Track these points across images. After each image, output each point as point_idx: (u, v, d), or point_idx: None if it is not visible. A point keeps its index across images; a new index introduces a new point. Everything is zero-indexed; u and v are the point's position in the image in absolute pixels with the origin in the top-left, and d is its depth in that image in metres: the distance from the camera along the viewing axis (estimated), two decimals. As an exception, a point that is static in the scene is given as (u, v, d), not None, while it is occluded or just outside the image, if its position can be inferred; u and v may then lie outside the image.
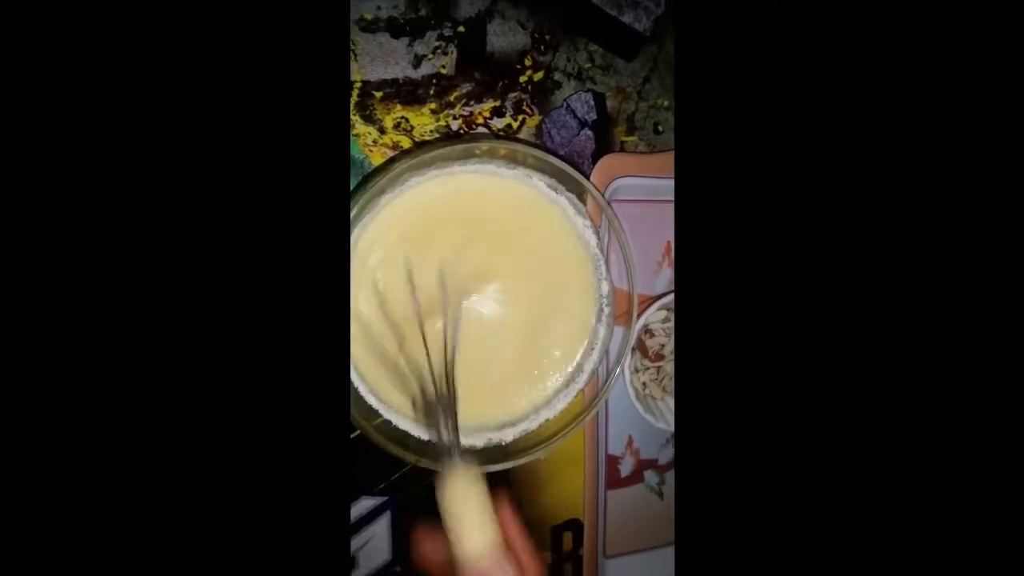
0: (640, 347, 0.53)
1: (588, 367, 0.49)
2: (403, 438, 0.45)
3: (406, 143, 0.48)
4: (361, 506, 0.48)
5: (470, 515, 0.38)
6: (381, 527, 0.49)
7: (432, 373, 0.42)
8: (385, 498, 0.48)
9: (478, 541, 0.37)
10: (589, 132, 0.51)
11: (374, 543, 0.49)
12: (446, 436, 0.40)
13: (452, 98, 0.49)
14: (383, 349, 0.44)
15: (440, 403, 0.41)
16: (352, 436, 0.44)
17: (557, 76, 0.51)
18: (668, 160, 0.51)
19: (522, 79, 0.50)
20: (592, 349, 0.49)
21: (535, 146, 0.47)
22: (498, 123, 0.50)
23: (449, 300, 0.44)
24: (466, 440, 0.46)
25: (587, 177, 0.48)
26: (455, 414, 0.41)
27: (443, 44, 0.48)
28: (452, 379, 0.42)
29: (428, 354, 0.42)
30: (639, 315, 0.50)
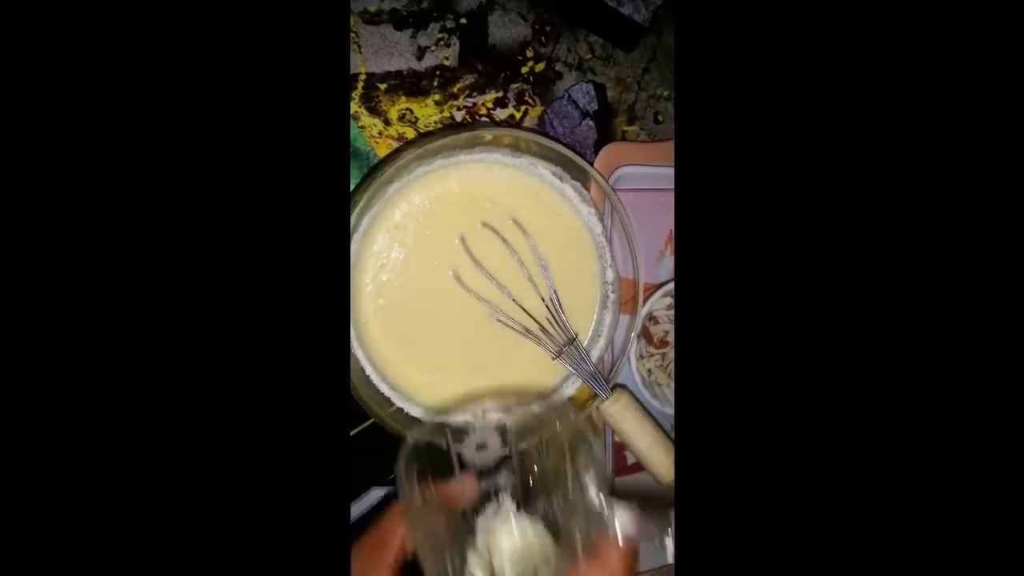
0: (645, 334, 0.53)
1: (594, 354, 0.49)
2: (415, 425, 0.45)
3: (411, 134, 0.49)
4: (371, 496, 0.48)
5: (642, 433, 0.46)
6: (392, 517, 0.49)
7: (554, 319, 0.46)
8: (395, 487, 0.48)
9: (660, 453, 0.46)
10: (590, 122, 0.52)
11: (385, 534, 0.49)
12: (590, 367, 0.46)
13: (455, 89, 0.49)
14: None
15: (569, 343, 0.46)
16: (364, 425, 0.44)
17: (558, 67, 0.51)
18: (669, 149, 0.52)
19: (524, 70, 0.51)
20: (598, 336, 0.50)
21: (540, 134, 0.48)
22: (501, 114, 0.50)
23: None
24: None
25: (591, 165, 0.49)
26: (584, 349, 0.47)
27: (445, 36, 0.49)
28: (564, 321, 0.46)
29: (550, 306, 0.46)
30: (644, 302, 0.50)
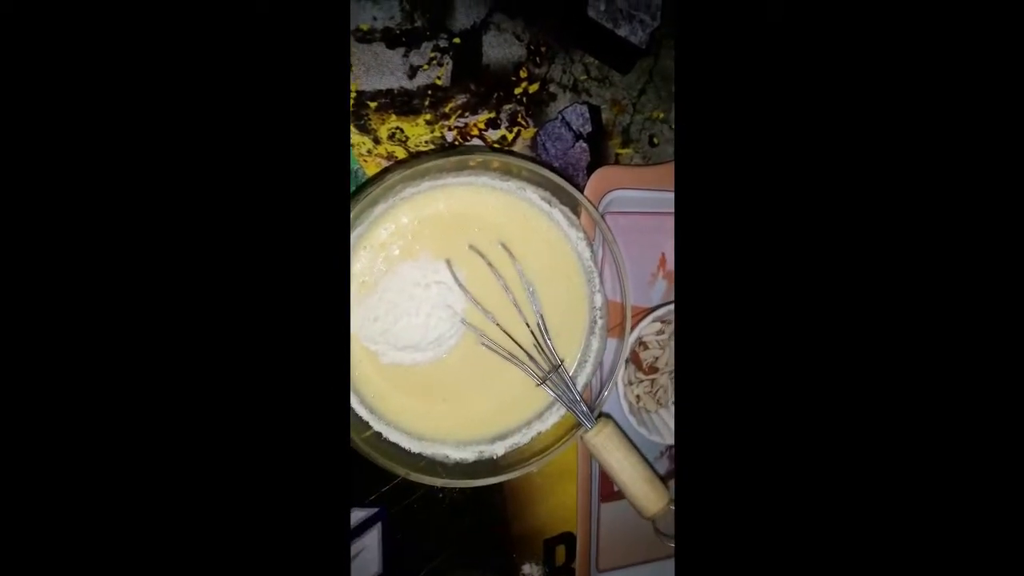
0: (634, 359, 0.53)
1: (581, 380, 0.49)
2: (393, 450, 0.44)
3: (401, 153, 0.48)
4: (351, 518, 0.48)
5: (625, 465, 0.46)
6: (372, 539, 0.48)
7: (540, 345, 0.46)
8: (376, 510, 0.48)
9: (644, 486, 0.46)
10: (584, 144, 0.51)
11: (364, 555, 0.48)
12: (574, 395, 0.46)
13: (447, 109, 0.49)
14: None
15: (554, 370, 0.46)
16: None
17: (552, 88, 0.51)
18: (662, 172, 0.51)
19: (517, 91, 0.50)
20: (585, 362, 0.49)
21: (529, 159, 0.47)
22: (493, 135, 0.50)
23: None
24: (457, 454, 0.46)
25: (581, 189, 0.48)
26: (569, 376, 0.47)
27: (438, 55, 0.48)
28: (550, 347, 0.46)
29: (536, 331, 0.46)
30: (633, 327, 0.50)
